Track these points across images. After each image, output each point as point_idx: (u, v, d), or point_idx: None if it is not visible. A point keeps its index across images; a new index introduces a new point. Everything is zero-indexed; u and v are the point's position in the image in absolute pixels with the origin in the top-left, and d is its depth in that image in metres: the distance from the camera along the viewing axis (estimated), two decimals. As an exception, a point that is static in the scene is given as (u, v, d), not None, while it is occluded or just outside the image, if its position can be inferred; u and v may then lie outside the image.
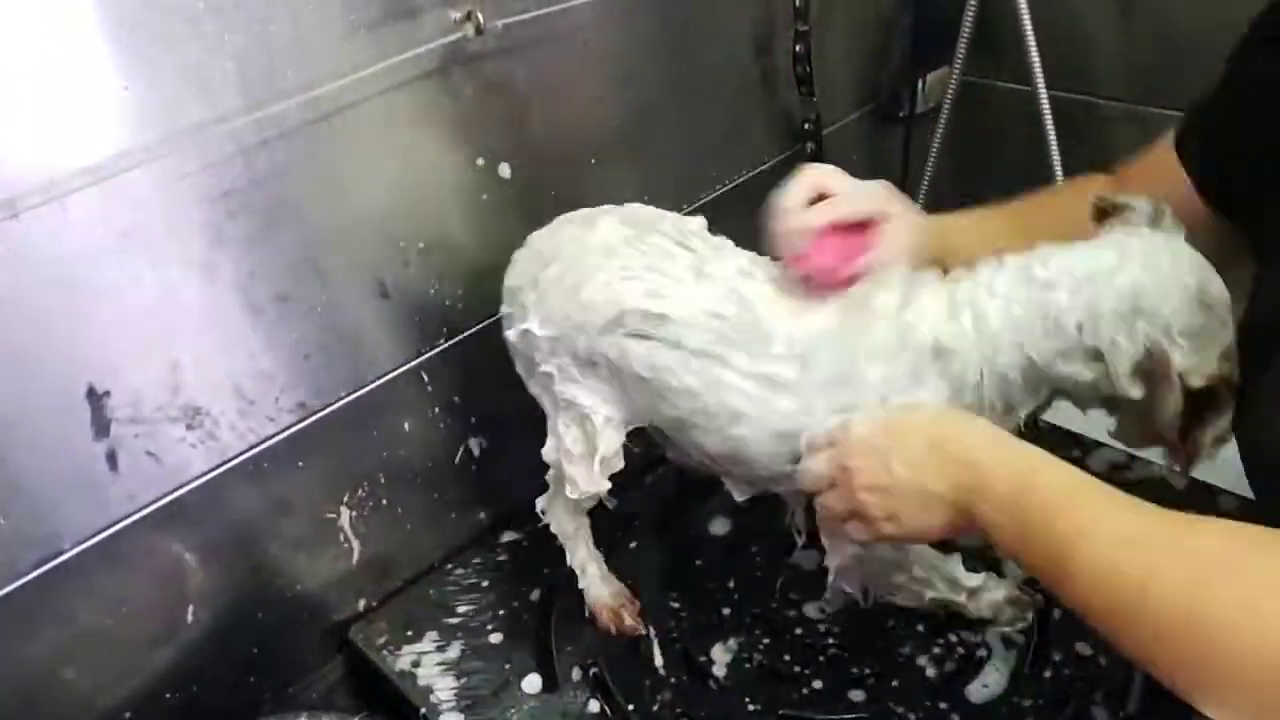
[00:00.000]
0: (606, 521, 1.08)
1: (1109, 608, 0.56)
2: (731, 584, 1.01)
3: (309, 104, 0.84)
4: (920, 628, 0.94)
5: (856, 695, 0.89)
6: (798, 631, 0.95)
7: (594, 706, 0.91)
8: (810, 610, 0.97)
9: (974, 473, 0.65)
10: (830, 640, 0.94)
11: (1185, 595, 0.53)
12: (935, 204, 1.46)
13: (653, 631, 0.97)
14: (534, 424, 1.12)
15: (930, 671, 0.90)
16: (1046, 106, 1.28)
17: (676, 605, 1.00)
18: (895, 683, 0.90)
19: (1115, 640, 0.57)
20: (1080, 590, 0.57)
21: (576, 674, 0.94)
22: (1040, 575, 0.61)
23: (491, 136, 0.99)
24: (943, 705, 0.87)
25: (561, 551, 1.06)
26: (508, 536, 1.10)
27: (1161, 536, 0.56)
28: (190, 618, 0.90)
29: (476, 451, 1.09)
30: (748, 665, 0.93)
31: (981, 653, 0.91)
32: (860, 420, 0.73)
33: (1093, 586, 0.56)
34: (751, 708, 0.89)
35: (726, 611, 0.98)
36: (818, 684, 0.91)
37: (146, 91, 0.76)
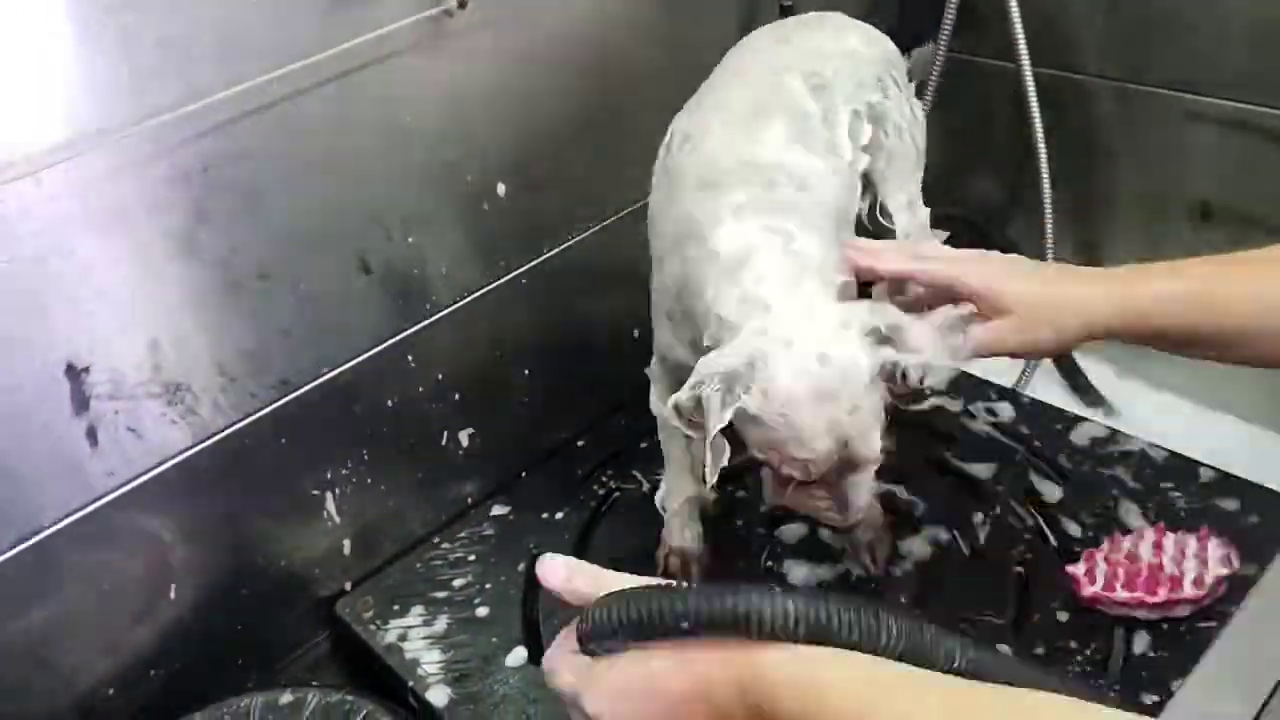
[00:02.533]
0: (593, 496, 1.09)
1: None
2: (717, 559, 1.02)
3: (289, 78, 0.83)
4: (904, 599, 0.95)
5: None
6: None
7: (579, 680, 0.91)
8: (794, 578, 0.98)
9: None
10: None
11: None
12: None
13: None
14: (519, 400, 1.13)
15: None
16: (1031, 84, 1.29)
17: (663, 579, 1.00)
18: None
19: None
20: None
21: (562, 648, 0.94)
22: None
23: (476, 112, 0.98)
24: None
25: (549, 524, 1.07)
26: (494, 510, 1.10)
27: None
28: (173, 594, 0.90)
29: (461, 427, 1.09)
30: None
31: (963, 613, 0.92)
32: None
33: None
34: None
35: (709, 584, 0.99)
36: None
37: (125, 66, 0.75)
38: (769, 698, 0.51)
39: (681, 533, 0.98)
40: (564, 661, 0.60)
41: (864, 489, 0.76)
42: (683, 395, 0.70)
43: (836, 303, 0.73)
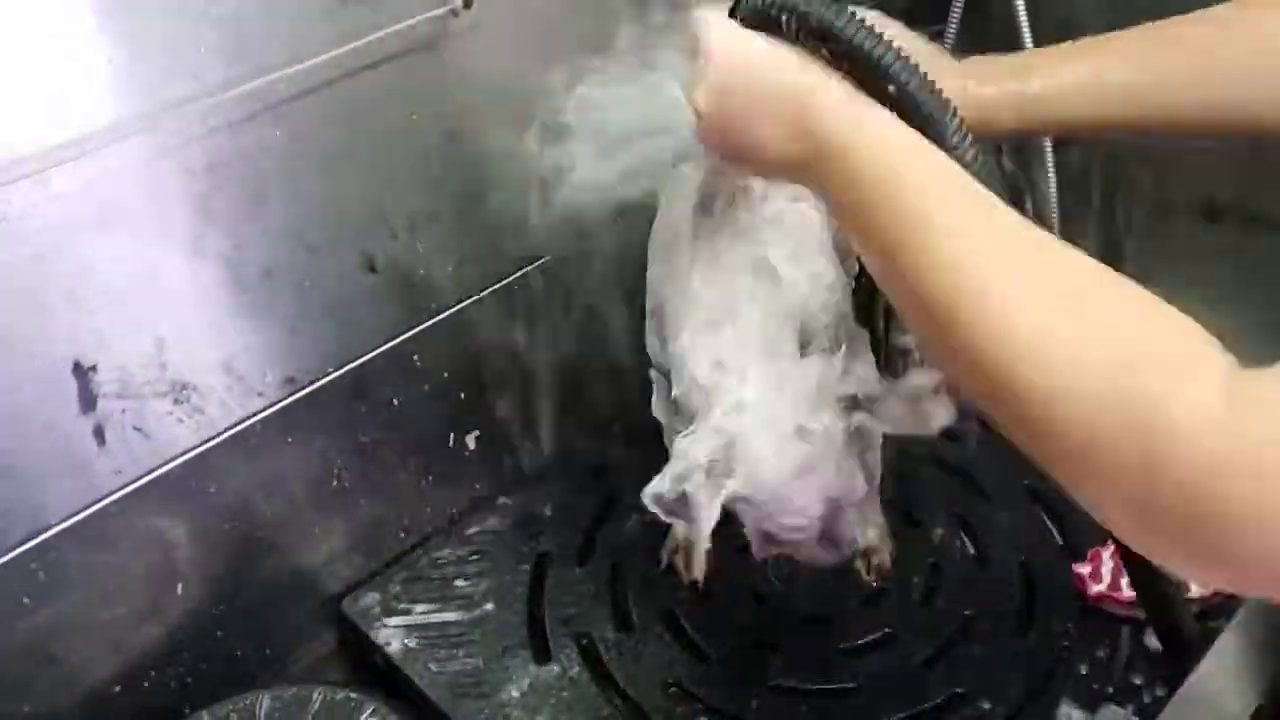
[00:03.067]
0: (597, 495, 1.09)
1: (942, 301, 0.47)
2: (721, 558, 1.01)
3: (295, 77, 0.83)
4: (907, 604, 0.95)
5: (848, 664, 0.90)
6: (787, 603, 0.96)
7: (586, 678, 0.91)
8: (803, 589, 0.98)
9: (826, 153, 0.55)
10: (825, 612, 0.95)
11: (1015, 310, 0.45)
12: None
13: (643, 604, 0.97)
14: (525, 397, 1.13)
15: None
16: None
17: (666, 578, 1.00)
18: (887, 652, 0.91)
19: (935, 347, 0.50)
20: (913, 280, 0.49)
21: (568, 645, 0.94)
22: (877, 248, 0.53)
23: (481, 111, 0.98)
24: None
25: (553, 523, 1.06)
26: (500, 509, 1.10)
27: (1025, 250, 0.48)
28: (179, 592, 0.90)
29: (467, 426, 1.09)
30: (738, 635, 0.94)
31: (967, 611, 0.92)
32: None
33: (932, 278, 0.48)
34: (743, 678, 0.90)
35: (717, 585, 0.99)
36: (809, 653, 0.91)
37: (130, 64, 0.75)
38: (819, 119, 0.54)
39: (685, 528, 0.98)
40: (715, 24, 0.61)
41: (850, 524, 0.77)
42: (664, 487, 0.69)
43: (811, 362, 0.74)
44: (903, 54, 0.55)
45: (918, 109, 0.55)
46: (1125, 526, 0.46)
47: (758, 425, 0.69)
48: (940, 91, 0.55)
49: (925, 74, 0.55)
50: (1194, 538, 0.41)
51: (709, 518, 0.67)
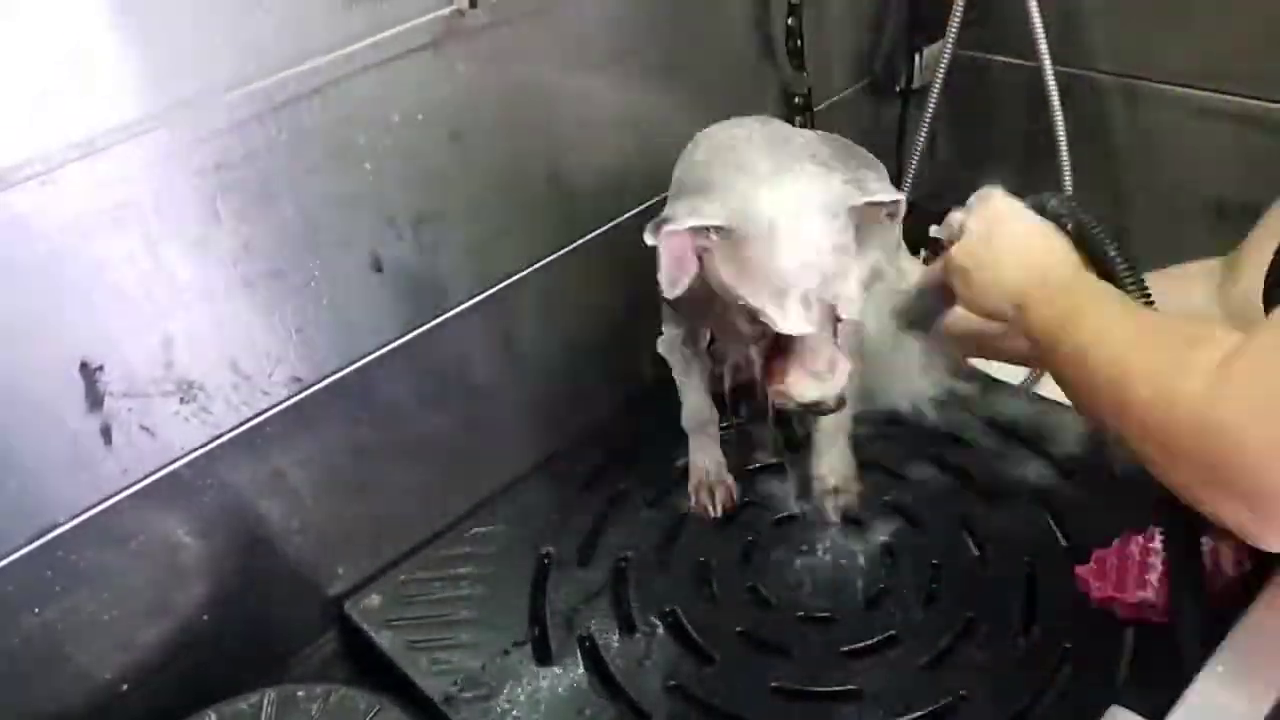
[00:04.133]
0: (599, 496, 1.09)
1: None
2: (722, 558, 1.02)
3: (302, 77, 0.83)
4: (912, 602, 0.95)
5: (849, 666, 0.90)
6: (789, 604, 0.96)
7: (587, 678, 0.92)
8: (804, 590, 0.98)
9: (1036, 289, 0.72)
10: (824, 613, 0.95)
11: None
12: (930, 179, 1.45)
13: (645, 604, 0.98)
14: (530, 396, 1.13)
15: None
16: (1052, 82, 1.28)
17: (667, 578, 1.01)
18: (889, 654, 0.91)
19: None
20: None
21: (570, 646, 0.95)
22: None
23: (487, 111, 0.98)
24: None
25: (555, 524, 1.07)
26: (503, 509, 1.10)
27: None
28: (186, 591, 0.91)
29: (471, 425, 1.09)
30: (741, 639, 0.94)
31: (970, 613, 0.92)
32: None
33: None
34: (744, 679, 0.90)
35: (718, 586, 0.99)
36: (810, 655, 0.92)
37: (139, 65, 0.76)
38: (1060, 276, 0.72)
39: (704, 456, 1.05)
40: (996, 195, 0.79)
41: (844, 343, 0.79)
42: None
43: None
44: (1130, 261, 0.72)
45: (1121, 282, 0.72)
46: (1162, 468, 0.60)
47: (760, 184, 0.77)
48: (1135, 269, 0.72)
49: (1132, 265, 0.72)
50: (1201, 462, 0.56)
51: (682, 222, 0.75)
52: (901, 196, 0.79)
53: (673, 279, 0.77)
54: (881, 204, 0.78)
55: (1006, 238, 0.76)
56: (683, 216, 0.76)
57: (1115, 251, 0.72)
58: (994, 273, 0.76)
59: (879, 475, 1.07)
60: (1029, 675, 0.87)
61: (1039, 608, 0.93)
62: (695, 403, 1.05)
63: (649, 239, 0.76)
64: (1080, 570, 0.91)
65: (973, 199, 0.80)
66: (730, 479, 1.06)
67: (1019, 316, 0.73)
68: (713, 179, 0.81)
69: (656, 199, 1.17)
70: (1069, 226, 0.75)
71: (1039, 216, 0.76)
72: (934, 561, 0.98)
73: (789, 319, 0.74)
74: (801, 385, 0.77)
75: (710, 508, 1.03)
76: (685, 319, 1.00)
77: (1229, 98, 1.25)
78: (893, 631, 0.92)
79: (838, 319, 0.77)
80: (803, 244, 0.74)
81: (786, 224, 0.74)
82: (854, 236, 0.77)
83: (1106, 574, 0.89)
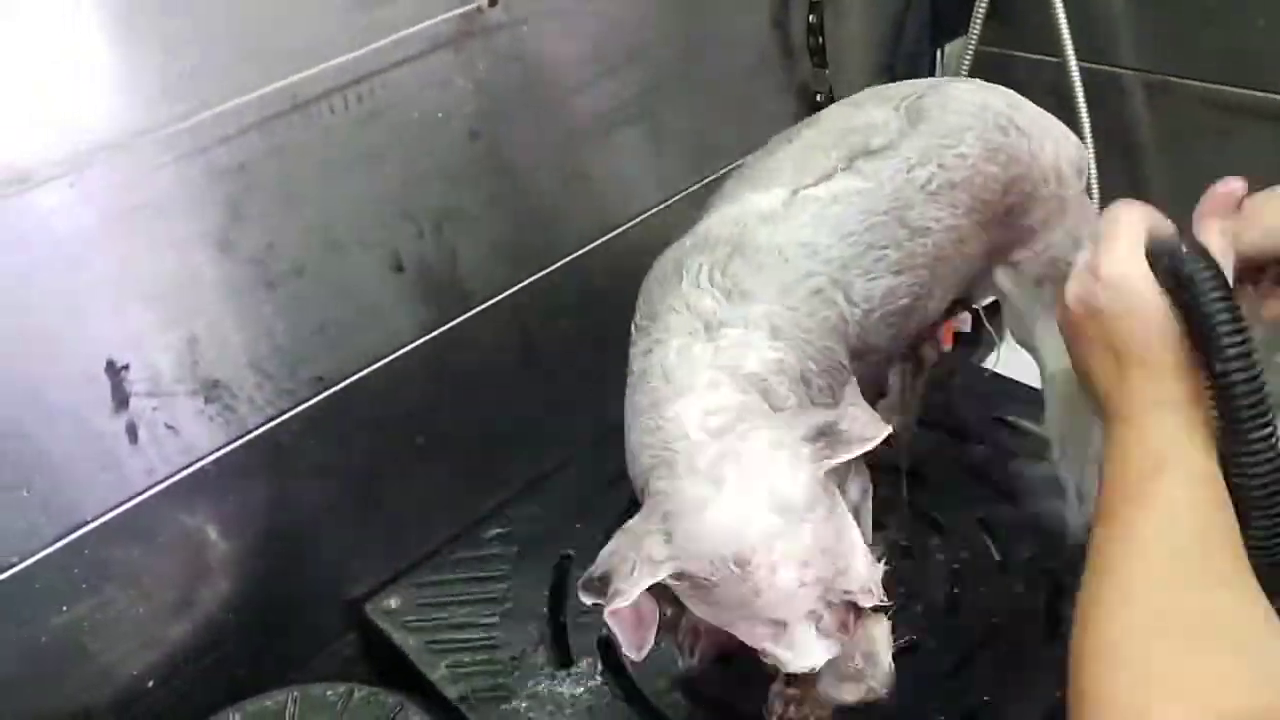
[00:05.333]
0: (619, 497, 1.09)
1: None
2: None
3: (321, 76, 0.83)
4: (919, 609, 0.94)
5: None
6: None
7: (606, 681, 0.92)
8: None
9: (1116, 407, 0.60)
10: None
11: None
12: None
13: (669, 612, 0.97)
14: (551, 395, 1.13)
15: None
16: (1077, 78, 1.26)
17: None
18: (910, 660, 0.90)
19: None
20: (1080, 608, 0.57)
21: (588, 648, 0.95)
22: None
23: (506, 109, 0.98)
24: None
25: (576, 524, 1.07)
26: (525, 510, 1.10)
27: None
28: (210, 590, 0.91)
29: (493, 425, 1.09)
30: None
31: (992, 619, 0.92)
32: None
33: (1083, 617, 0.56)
34: (762, 681, 0.90)
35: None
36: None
37: (163, 65, 0.76)
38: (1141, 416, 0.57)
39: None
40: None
41: (883, 640, 0.65)
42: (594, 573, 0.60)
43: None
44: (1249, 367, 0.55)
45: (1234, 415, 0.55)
46: None
47: (705, 488, 0.61)
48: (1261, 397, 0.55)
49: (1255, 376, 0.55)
50: None
51: (632, 590, 0.59)
52: (883, 432, 0.62)
53: (637, 643, 0.61)
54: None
55: (1104, 300, 0.60)
56: (625, 584, 0.58)
57: (1236, 364, 0.54)
58: (1077, 348, 0.63)
59: (898, 476, 1.06)
60: (1052, 682, 0.86)
61: (1063, 611, 0.92)
62: None
63: (586, 599, 0.60)
64: None
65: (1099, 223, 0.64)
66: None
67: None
68: (647, 476, 0.65)
69: (677, 196, 1.17)
70: (1181, 295, 0.57)
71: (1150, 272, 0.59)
72: (955, 566, 0.97)
73: (800, 655, 0.60)
74: (836, 692, 0.66)
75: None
76: None
77: (1259, 94, 1.24)
78: (913, 637, 0.92)
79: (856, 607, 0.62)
80: (785, 569, 0.58)
81: (758, 557, 0.57)
82: (837, 490, 0.62)
83: None
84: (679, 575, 0.59)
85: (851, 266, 0.72)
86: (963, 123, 0.77)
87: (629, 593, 0.58)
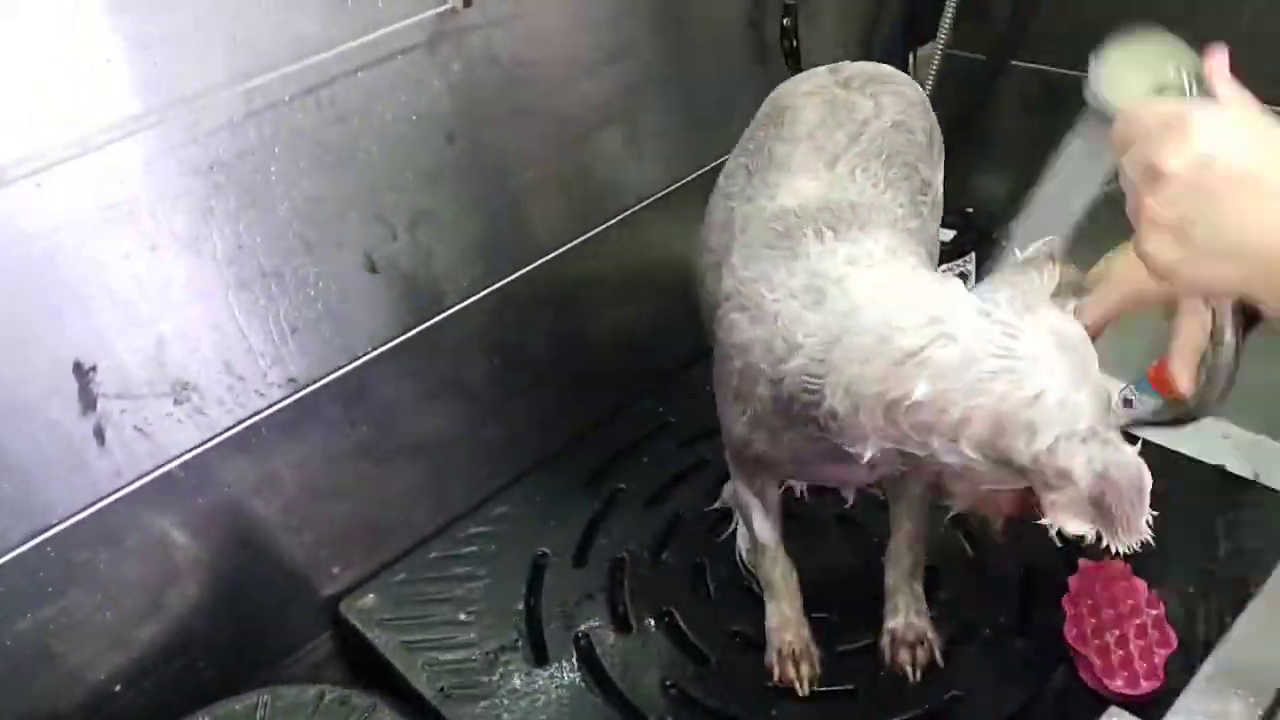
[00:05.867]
0: (595, 496, 1.09)
1: None
2: (718, 559, 1.02)
3: (294, 77, 0.83)
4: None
5: (846, 666, 0.90)
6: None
7: (582, 678, 0.92)
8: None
9: None
10: (822, 614, 0.95)
11: None
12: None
13: (641, 605, 0.98)
14: (526, 397, 1.13)
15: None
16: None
17: (664, 578, 1.00)
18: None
19: None
20: None
21: (565, 646, 0.94)
22: None
23: (481, 110, 0.98)
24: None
25: (551, 524, 1.07)
26: (499, 509, 1.10)
27: None
28: (179, 592, 0.90)
29: (466, 426, 1.09)
30: (737, 639, 0.94)
31: (966, 614, 0.92)
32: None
33: None
34: (740, 679, 0.90)
35: (714, 586, 0.99)
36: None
37: (133, 63, 0.75)
38: None
39: (784, 626, 0.91)
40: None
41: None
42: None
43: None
44: None
45: None
46: None
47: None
48: None
49: None
50: None
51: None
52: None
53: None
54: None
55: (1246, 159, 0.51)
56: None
57: None
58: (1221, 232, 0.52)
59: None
60: (1025, 676, 0.87)
61: (1035, 609, 0.93)
62: (762, 527, 0.88)
63: None
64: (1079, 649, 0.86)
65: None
66: (815, 651, 0.90)
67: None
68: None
69: (651, 198, 1.17)
70: None
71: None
72: (930, 564, 0.98)
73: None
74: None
75: (798, 684, 0.88)
76: (761, 474, 0.85)
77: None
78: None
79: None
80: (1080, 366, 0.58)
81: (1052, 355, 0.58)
82: None
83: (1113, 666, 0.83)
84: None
85: None
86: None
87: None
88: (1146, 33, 0.66)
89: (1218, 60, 0.57)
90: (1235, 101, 0.56)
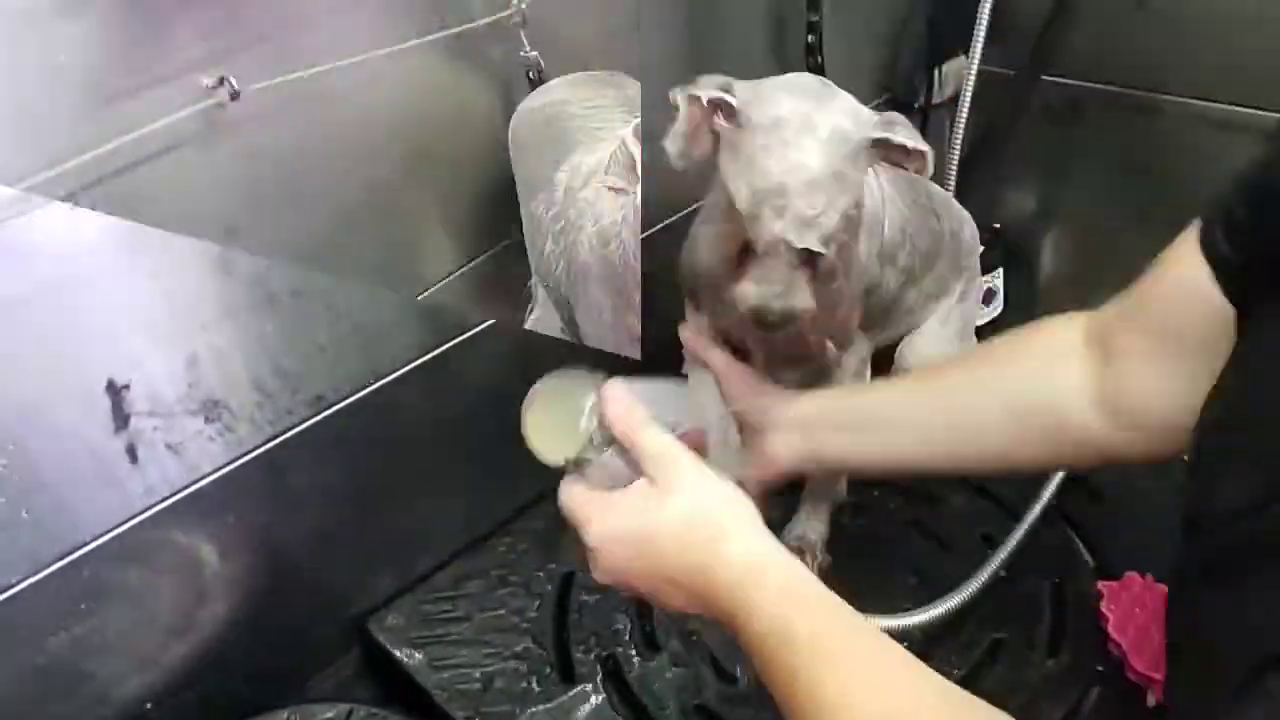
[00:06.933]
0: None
1: None
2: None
3: (45, 184, 0.71)
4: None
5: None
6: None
7: (610, 698, 0.91)
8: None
9: (730, 615, 0.63)
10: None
11: None
12: (958, 196, 1.45)
13: (668, 624, 0.97)
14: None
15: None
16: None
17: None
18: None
19: None
20: None
21: (592, 666, 0.94)
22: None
23: (257, 205, 0.85)
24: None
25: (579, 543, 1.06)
26: (528, 527, 1.10)
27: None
28: (208, 610, 0.91)
29: (496, 443, 1.08)
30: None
31: (997, 634, 0.91)
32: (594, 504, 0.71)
33: None
34: (767, 698, 0.89)
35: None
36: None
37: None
38: (746, 610, 0.61)
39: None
40: (574, 492, 0.71)
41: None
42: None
43: None
44: None
45: None
46: None
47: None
48: None
49: None
50: None
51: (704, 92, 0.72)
52: (928, 149, 0.72)
53: (680, 148, 0.74)
54: (905, 150, 0.72)
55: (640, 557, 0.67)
56: (706, 86, 0.73)
57: None
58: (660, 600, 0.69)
59: (904, 496, 1.06)
60: (1058, 698, 0.86)
61: (1068, 628, 0.92)
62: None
63: (674, 97, 0.73)
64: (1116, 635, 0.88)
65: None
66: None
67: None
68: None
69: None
70: None
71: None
72: (958, 580, 0.97)
73: (761, 223, 0.71)
74: (751, 290, 0.75)
75: None
76: (702, 309, 0.95)
77: (1252, 111, 1.24)
78: (920, 652, 0.91)
79: (813, 254, 0.73)
80: (800, 150, 0.70)
81: (792, 126, 0.70)
82: (861, 181, 0.74)
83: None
84: (736, 115, 0.72)
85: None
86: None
87: (705, 90, 0.72)
88: (565, 375, 0.78)
89: (613, 411, 0.70)
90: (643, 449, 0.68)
